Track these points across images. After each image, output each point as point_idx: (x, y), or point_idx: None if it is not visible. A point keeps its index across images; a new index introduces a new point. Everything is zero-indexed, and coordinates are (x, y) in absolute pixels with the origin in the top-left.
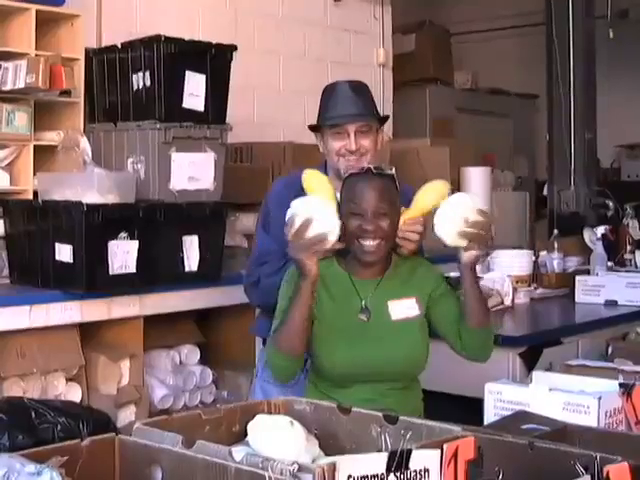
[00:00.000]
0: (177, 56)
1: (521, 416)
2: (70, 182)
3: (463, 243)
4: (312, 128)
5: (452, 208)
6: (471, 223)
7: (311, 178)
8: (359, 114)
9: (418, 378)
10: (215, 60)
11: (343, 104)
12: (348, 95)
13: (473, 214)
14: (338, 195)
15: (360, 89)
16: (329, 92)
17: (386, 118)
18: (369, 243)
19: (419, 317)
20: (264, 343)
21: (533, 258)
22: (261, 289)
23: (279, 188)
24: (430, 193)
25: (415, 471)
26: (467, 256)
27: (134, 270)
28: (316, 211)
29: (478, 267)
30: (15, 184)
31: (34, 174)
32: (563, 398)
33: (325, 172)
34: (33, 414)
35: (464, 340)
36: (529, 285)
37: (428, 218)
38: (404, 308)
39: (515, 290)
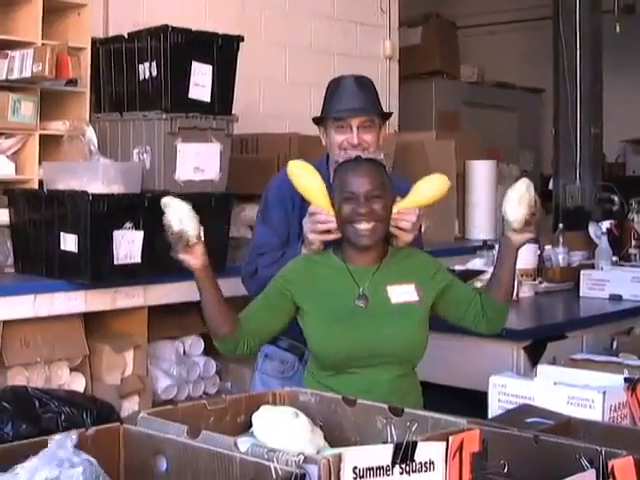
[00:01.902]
0: (184, 46)
1: (526, 410)
2: (75, 172)
3: (522, 226)
4: (316, 121)
5: (522, 194)
6: (533, 207)
7: (293, 167)
8: (362, 108)
9: (416, 371)
10: (222, 51)
11: (347, 98)
12: (352, 89)
13: (533, 199)
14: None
15: (365, 84)
16: (334, 86)
17: (389, 114)
18: (363, 226)
19: (417, 303)
20: None
21: (538, 252)
22: (259, 280)
23: (279, 182)
24: (429, 185)
25: (420, 463)
26: (521, 238)
27: (139, 260)
28: (171, 212)
29: (481, 261)
30: (20, 173)
31: (39, 163)
32: (568, 392)
33: (327, 165)
34: (37, 403)
35: (489, 314)
36: (534, 279)
37: (425, 210)
38: (403, 293)
39: (520, 284)
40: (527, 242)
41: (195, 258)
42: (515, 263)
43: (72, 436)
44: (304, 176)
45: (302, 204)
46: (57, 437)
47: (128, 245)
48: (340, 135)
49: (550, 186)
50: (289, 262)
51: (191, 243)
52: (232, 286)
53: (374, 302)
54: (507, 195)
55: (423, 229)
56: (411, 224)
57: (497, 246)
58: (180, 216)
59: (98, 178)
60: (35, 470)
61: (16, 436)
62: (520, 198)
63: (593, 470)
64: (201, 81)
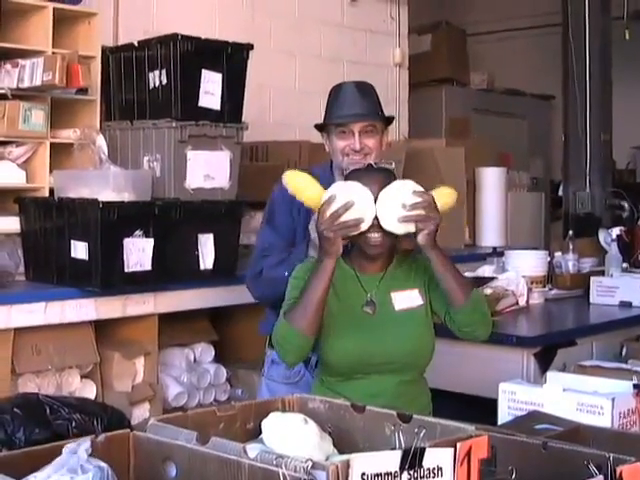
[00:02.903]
0: (193, 54)
1: (535, 416)
2: (86, 180)
3: (411, 227)
4: (318, 127)
5: (387, 199)
6: (410, 206)
7: (294, 177)
8: (364, 114)
9: (425, 377)
10: (231, 59)
11: (349, 104)
12: (354, 95)
13: (409, 197)
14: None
15: (366, 90)
16: (335, 92)
17: (391, 119)
18: (372, 235)
19: (422, 307)
20: (269, 343)
21: (548, 259)
22: (264, 280)
23: (283, 186)
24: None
25: (428, 469)
26: (420, 239)
27: (149, 268)
28: (357, 196)
29: (491, 268)
30: (31, 181)
31: (50, 171)
32: (577, 399)
33: (331, 171)
34: (48, 410)
35: (458, 322)
36: (544, 286)
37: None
38: (407, 298)
39: (530, 290)
40: (433, 237)
41: (340, 247)
42: (441, 261)
43: (85, 444)
44: (303, 185)
45: (308, 209)
46: (70, 445)
47: (138, 253)
48: (342, 141)
49: (560, 193)
50: (299, 265)
51: (357, 232)
52: (242, 293)
53: (381, 308)
54: (377, 207)
55: None
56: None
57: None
58: (366, 207)
59: (108, 186)
60: (47, 476)
61: (27, 442)
62: (389, 203)
63: (601, 476)
64: (211, 89)
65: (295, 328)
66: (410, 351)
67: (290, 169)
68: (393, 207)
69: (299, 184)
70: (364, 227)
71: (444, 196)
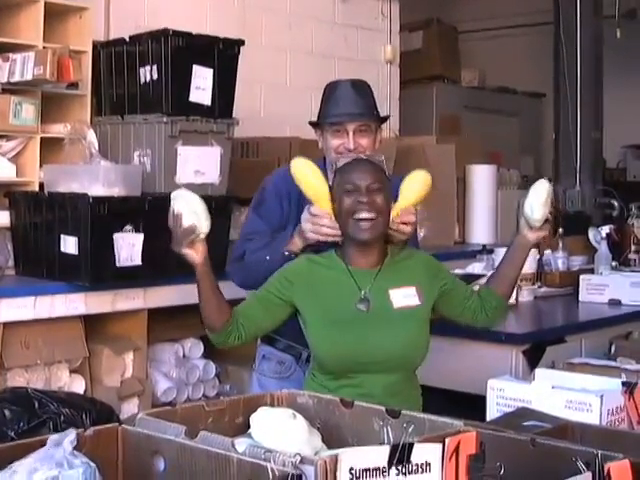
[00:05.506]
0: (185, 50)
1: (523, 413)
2: (76, 174)
3: (541, 225)
4: (312, 124)
5: (545, 194)
6: (551, 208)
7: (300, 166)
8: (359, 114)
9: (416, 374)
10: (222, 54)
11: (344, 103)
12: (349, 94)
13: (553, 200)
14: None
15: (362, 88)
16: (331, 90)
17: (386, 118)
18: (365, 215)
19: (419, 306)
20: (262, 338)
21: (537, 256)
22: (246, 264)
23: (279, 177)
24: (415, 183)
25: (417, 465)
26: (537, 236)
27: (139, 263)
28: (184, 205)
29: (481, 265)
30: (21, 176)
31: (40, 166)
32: (565, 396)
33: (324, 168)
34: (37, 404)
35: (487, 307)
36: (533, 283)
37: (422, 211)
38: (404, 296)
39: (519, 288)
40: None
41: (198, 253)
42: (524, 262)
43: (70, 435)
44: (310, 175)
45: (299, 203)
46: (54, 437)
47: (128, 248)
48: (336, 139)
49: None
50: (291, 262)
51: (201, 238)
52: (232, 289)
53: (375, 306)
54: (531, 194)
55: (421, 235)
56: (411, 225)
57: (509, 246)
58: (194, 209)
59: (99, 181)
60: (34, 470)
61: (16, 436)
62: (546, 197)
63: (589, 473)
64: (202, 84)
65: (206, 324)
66: (403, 351)
67: (299, 157)
68: (546, 203)
69: (304, 173)
70: (206, 229)
71: (422, 180)
